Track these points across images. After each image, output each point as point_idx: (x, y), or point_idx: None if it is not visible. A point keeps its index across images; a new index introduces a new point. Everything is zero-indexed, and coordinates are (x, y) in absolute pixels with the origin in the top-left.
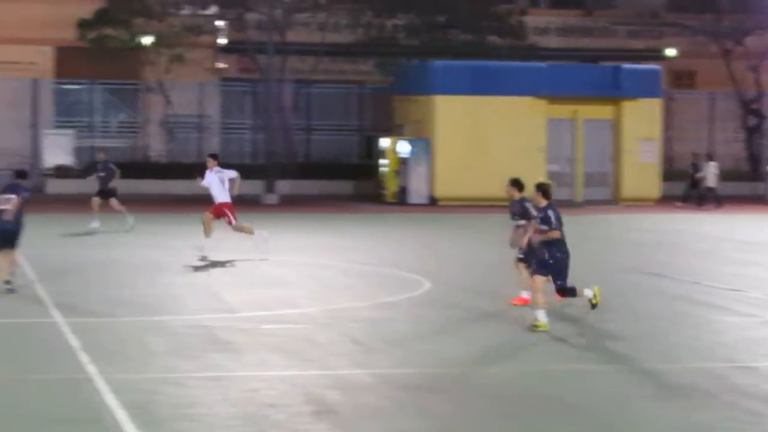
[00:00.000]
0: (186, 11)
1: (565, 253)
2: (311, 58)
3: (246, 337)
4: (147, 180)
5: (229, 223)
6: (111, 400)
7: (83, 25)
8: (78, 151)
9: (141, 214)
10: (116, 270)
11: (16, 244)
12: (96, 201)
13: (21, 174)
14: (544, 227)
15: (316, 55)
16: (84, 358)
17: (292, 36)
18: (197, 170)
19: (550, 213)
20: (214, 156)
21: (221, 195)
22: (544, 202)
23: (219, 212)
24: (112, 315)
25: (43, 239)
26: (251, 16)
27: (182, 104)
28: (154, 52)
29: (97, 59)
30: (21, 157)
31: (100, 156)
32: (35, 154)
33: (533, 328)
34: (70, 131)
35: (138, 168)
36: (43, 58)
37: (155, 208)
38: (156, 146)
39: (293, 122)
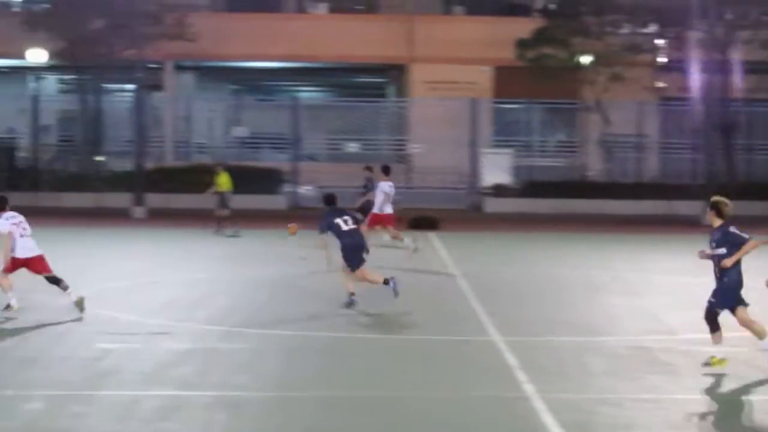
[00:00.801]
0: (625, 30)
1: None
2: (753, 76)
3: (686, 360)
4: (584, 200)
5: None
6: (548, 419)
7: (522, 44)
8: (516, 170)
9: (585, 234)
10: (552, 288)
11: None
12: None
13: (328, 199)
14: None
15: (758, 74)
16: (521, 376)
17: (733, 54)
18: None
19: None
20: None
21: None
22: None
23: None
24: (550, 334)
25: (482, 256)
26: (691, 35)
27: (620, 123)
28: (592, 71)
29: (535, 78)
30: (459, 175)
31: (367, 174)
32: (474, 172)
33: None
34: (508, 150)
35: (575, 187)
36: (483, 78)
37: (595, 228)
38: (594, 166)
39: (734, 142)
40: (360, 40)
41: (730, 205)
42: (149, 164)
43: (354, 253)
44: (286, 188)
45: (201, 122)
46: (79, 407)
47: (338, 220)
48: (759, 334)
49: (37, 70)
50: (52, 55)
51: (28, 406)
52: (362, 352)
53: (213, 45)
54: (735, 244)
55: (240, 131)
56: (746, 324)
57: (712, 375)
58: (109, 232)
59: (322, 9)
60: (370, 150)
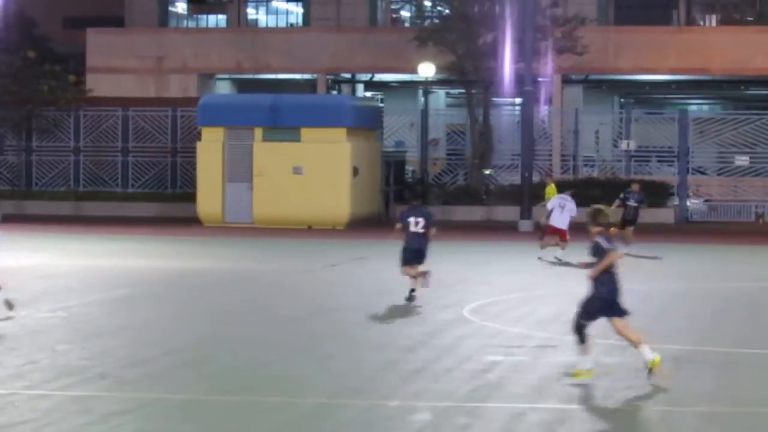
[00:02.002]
0: None
1: None
2: None
3: None
4: None
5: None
6: None
7: None
8: None
9: None
10: None
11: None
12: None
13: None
14: None
15: None
16: None
17: None
18: None
19: None
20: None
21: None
22: None
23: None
24: None
25: None
26: None
27: None
28: None
29: None
30: None
31: (634, 187)
32: None
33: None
34: None
35: None
36: None
37: None
38: None
39: None
40: (751, 51)
41: (609, 213)
42: (536, 177)
43: (407, 254)
44: (675, 201)
45: (588, 135)
46: (465, 419)
47: (411, 219)
48: (635, 343)
49: (426, 84)
50: (441, 69)
51: (413, 417)
52: (756, 368)
53: (601, 58)
54: (599, 254)
55: (628, 144)
56: (621, 333)
57: None
58: (497, 245)
59: (712, 21)
60: (761, 163)
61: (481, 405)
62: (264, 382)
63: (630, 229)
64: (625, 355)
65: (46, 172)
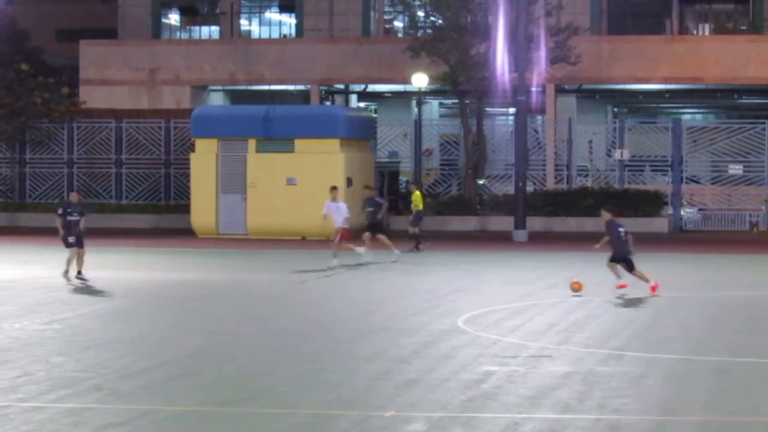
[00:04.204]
0: None
1: None
2: None
3: None
4: None
5: None
6: None
7: None
8: None
9: None
10: None
11: None
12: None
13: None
14: None
15: None
16: None
17: None
18: None
19: None
20: None
21: None
22: None
23: None
24: None
25: None
26: None
27: None
28: None
29: None
30: None
31: (367, 192)
32: None
33: None
34: None
35: None
36: None
37: None
38: None
39: None
40: (744, 60)
41: None
42: (530, 187)
43: None
44: (669, 211)
45: (582, 145)
46: (460, 429)
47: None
48: None
49: (419, 95)
50: (434, 80)
51: (408, 427)
52: (750, 377)
53: (594, 67)
54: None
55: (621, 154)
56: None
57: None
58: (491, 255)
59: (705, 30)
60: (754, 172)
61: (476, 415)
62: (258, 394)
63: (367, 234)
64: (621, 363)
65: (40, 184)
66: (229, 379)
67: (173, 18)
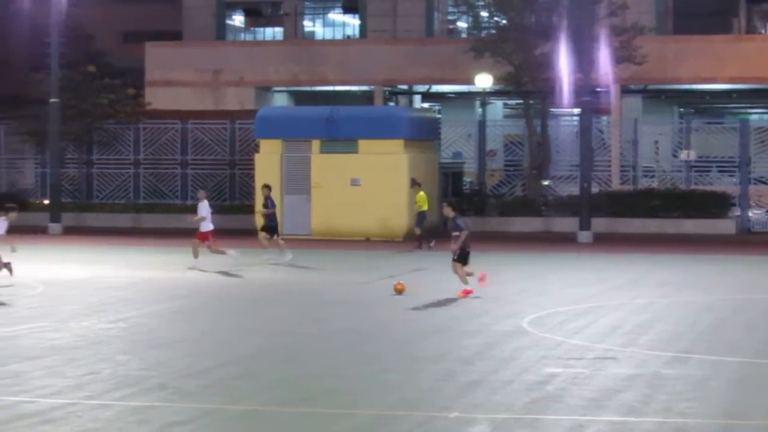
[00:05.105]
0: None
1: None
2: None
3: None
4: None
5: None
6: None
7: None
8: None
9: None
10: None
11: None
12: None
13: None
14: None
15: None
16: None
17: None
18: None
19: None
20: None
21: None
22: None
23: None
24: None
25: None
26: None
27: None
28: None
29: None
30: None
31: (265, 192)
32: None
33: None
34: None
35: None
36: None
37: None
38: None
39: None
40: None
41: None
42: (595, 188)
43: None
44: (736, 212)
45: (647, 146)
46: (523, 431)
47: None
48: None
49: (483, 95)
50: (498, 80)
51: (472, 428)
52: None
53: (660, 68)
54: None
55: (688, 155)
56: None
57: None
58: (555, 256)
59: None
60: None
61: (540, 417)
62: (320, 394)
63: (263, 234)
64: (686, 366)
65: (106, 185)
66: (290, 379)
67: (237, 19)
